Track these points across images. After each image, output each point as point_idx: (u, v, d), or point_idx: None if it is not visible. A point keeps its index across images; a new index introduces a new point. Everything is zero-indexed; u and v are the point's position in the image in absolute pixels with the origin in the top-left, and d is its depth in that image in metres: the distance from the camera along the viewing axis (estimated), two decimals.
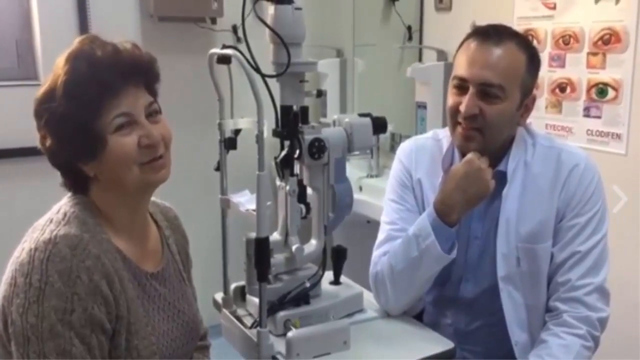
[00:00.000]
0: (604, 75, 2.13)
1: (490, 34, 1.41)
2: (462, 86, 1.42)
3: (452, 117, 1.45)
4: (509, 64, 1.39)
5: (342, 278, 1.48)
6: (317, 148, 1.26)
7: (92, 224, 1.16)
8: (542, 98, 2.32)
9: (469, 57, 1.41)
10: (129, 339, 1.15)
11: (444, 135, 1.57)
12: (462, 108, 1.39)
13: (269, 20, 1.23)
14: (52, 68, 1.17)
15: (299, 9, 1.24)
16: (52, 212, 1.19)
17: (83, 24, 2.84)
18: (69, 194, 1.22)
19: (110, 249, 1.16)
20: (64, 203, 1.20)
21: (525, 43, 1.44)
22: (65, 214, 1.16)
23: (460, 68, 1.42)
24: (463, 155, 1.49)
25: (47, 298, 1.05)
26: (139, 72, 1.19)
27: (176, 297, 1.31)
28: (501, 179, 1.45)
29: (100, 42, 1.18)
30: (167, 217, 1.40)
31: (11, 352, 1.09)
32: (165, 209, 1.42)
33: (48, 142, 1.16)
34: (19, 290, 1.07)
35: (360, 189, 2.93)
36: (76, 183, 1.21)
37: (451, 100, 1.44)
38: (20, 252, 1.12)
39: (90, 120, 1.13)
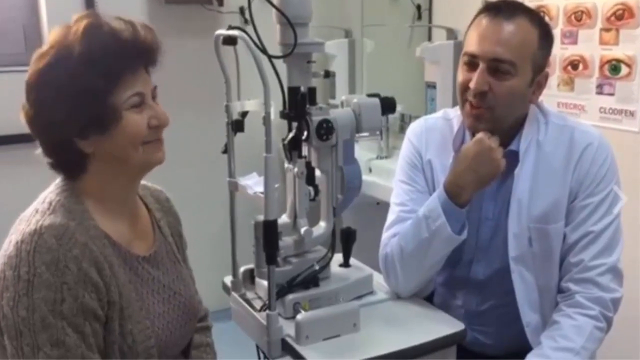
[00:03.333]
0: (617, 52, 2.09)
1: (502, 10, 1.39)
2: (472, 62, 1.39)
3: (462, 95, 1.43)
4: (520, 40, 1.37)
5: (352, 260, 1.47)
6: (325, 129, 1.25)
7: (78, 210, 1.16)
8: (554, 75, 2.29)
9: (480, 33, 1.38)
10: (123, 324, 1.15)
11: (455, 114, 1.55)
12: (471, 84, 1.37)
13: (275, 0, 1.21)
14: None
15: None
16: (38, 201, 1.18)
17: (90, 7, 2.81)
18: (56, 181, 1.21)
19: (99, 235, 1.16)
20: (50, 191, 1.19)
21: (538, 19, 1.42)
22: (50, 203, 1.15)
23: (471, 44, 1.40)
24: (473, 135, 1.47)
25: (36, 290, 1.05)
26: (151, 55, 1.20)
27: (171, 279, 1.31)
28: (513, 159, 1.43)
29: (116, 19, 1.17)
30: (158, 199, 1.39)
31: (5, 346, 1.09)
32: (156, 191, 1.41)
33: (54, 114, 1.13)
34: (8, 283, 1.07)
35: (370, 170, 2.92)
36: (71, 162, 1.18)
37: (461, 76, 1.42)
38: (8, 244, 1.12)
39: (107, 92, 1.13)
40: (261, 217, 1.15)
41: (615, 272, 1.41)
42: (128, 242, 1.24)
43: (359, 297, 1.40)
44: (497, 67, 1.36)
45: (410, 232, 1.43)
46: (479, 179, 1.37)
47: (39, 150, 1.20)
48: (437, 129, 1.57)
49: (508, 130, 1.45)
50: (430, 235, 1.39)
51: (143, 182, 1.33)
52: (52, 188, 1.20)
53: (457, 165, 1.41)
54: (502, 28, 1.37)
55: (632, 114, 2.07)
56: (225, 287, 1.47)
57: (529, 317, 1.44)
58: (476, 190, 1.39)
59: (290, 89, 1.24)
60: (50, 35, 1.17)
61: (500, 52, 1.36)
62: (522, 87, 1.39)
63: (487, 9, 1.42)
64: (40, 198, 1.19)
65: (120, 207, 1.24)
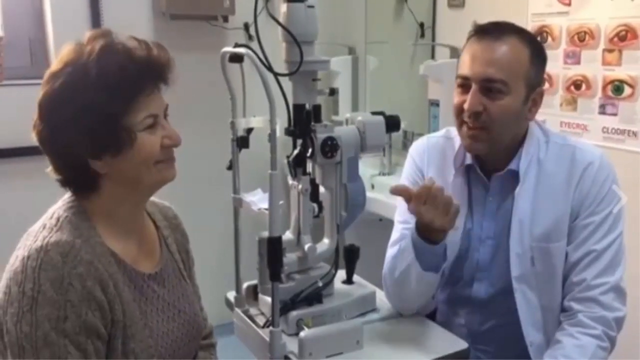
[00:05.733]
0: (619, 72, 2.11)
1: (491, 31, 1.41)
2: (465, 84, 1.41)
3: (458, 117, 1.44)
4: (511, 59, 1.38)
5: (355, 277, 1.47)
6: (330, 147, 1.25)
7: (85, 227, 1.16)
8: (557, 95, 2.30)
9: (471, 55, 1.41)
10: (125, 342, 1.15)
11: (457, 133, 1.56)
12: (465, 106, 1.39)
13: (281, 18, 1.23)
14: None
15: (311, 6, 1.23)
16: (46, 217, 1.18)
17: (96, 22, 2.85)
18: (65, 197, 1.21)
19: (104, 253, 1.16)
20: (58, 207, 1.20)
21: (528, 37, 1.44)
22: (58, 219, 1.15)
23: (463, 67, 1.42)
24: (474, 155, 1.48)
25: (40, 307, 1.05)
26: (164, 74, 1.20)
27: (176, 297, 1.30)
28: (513, 178, 1.44)
29: (130, 38, 1.18)
30: (166, 216, 1.40)
31: None
32: (165, 208, 1.41)
33: (68, 135, 1.13)
34: (13, 299, 1.07)
35: (373, 186, 2.92)
36: (83, 181, 1.19)
37: (456, 99, 1.44)
38: (15, 259, 1.12)
39: (122, 114, 1.13)
40: (265, 234, 1.16)
41: (618, 291, 1.40)
42: (134, 259, 1.23)
43: (362, 314, 1.40)
44: (489, 87, 1.38)
45: (397, 258, 1.42)
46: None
47: (49, 168, 1.20)
48: (439, 147, 1.58)
49: (507, 149, 1.45)
50: (407, 267, 1.38)
51: (152, 198, 1.33)
52: (60, 204, 1.21)
53: None
54: (491, 49, 1.39)
55: (634, 134, 2.08)
56: (228, 302, 1.47)
57: (532, 336, 1.44)
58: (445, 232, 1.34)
59: (295, 106, 1.25)
60: (63, 53, 1.16)
61: (491, 72, 1.37)
62: (517, 105, 1.40)
63: (477, 32, 1.44)
64: (49, 213, 1.19)
65: (128, 225, 1.24)
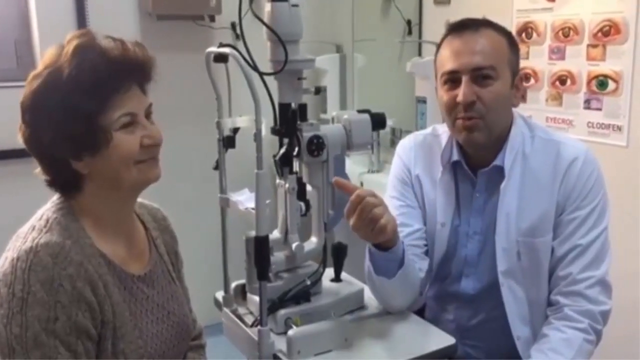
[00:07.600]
0: (604, 67, 2.12)
1: (468, 25, 1.45)
2: (454, 79, 1.42)
3: (450, 113, 1.44)
4: (494, 46, 1.42)
5: (343, 275, 1.48)
6: (316, 145, 1.26)
7: (74, 229, 1.16)
8: (543, 91, 2.32)
9: (454, 50, 1.42)
10: (115, 343, 1.15)
11: (443, 130, 1.57)
12: (459, 98, 1.40)
13: (265, 18, 1.23)
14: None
15: (295, 5, 1.23)
16: (35, 218, 1.18)
17: (81, 24, 2.84)
18: (53, 198, 1.21)
19: (94, 254, 1.16)
20: (47, 208, 1.19)
21: (501, 28, 1.47)
22: (47, 221, 1.15)
23: (447, 63, 1.43)
24: (462, 149, 1.49)
25: (30, 308, 1.05)
26: (143, 72, 1.19)
27: (165, 299, 1.30)
28: (498, 174, 1.45)
29: (106, 38, 1.17)
30: (155, 218, 1.39)
31: None
32: (154, 210, 1.41)
33: (47, 136, 1.13)
34: (2, 300, 1.07)
35: (362, 184, 2.92)
36: (67, 182, 1.19)
37: (445, 96, 1.44)
38: (4, 261, 1.12)
39: (97, 113, 1.13)
40: (252, 233, 1.16)
41: (604, 285, 1.42)
42: (123, 261, 1.23)
43: (351, 312, 1.41)
44: (479, 75, 1.40)
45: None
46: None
47: (38, 169, 1.20)
48: (425, 144, 1.59)
49: (494, 143, 1.46)
50: (368, 270, 1.39)
51: (140, 200, 1.33)
52: (49, 205, 1.20)
53: None
54: (473, 40, 1.42)
55: (619, 128, 2.10)
56: (216, 302, 1.47)
57: (519, 330, 1.45)
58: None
59: (281, 105, 1.26)
60: (45, 55, 1.17)
61: (479, 61, 1.40)
62: (506, 89, 1.43)
63: (453, 28, 1.47)
64: (37, 215, 1.19)
65: (117, 226, 1.24)
